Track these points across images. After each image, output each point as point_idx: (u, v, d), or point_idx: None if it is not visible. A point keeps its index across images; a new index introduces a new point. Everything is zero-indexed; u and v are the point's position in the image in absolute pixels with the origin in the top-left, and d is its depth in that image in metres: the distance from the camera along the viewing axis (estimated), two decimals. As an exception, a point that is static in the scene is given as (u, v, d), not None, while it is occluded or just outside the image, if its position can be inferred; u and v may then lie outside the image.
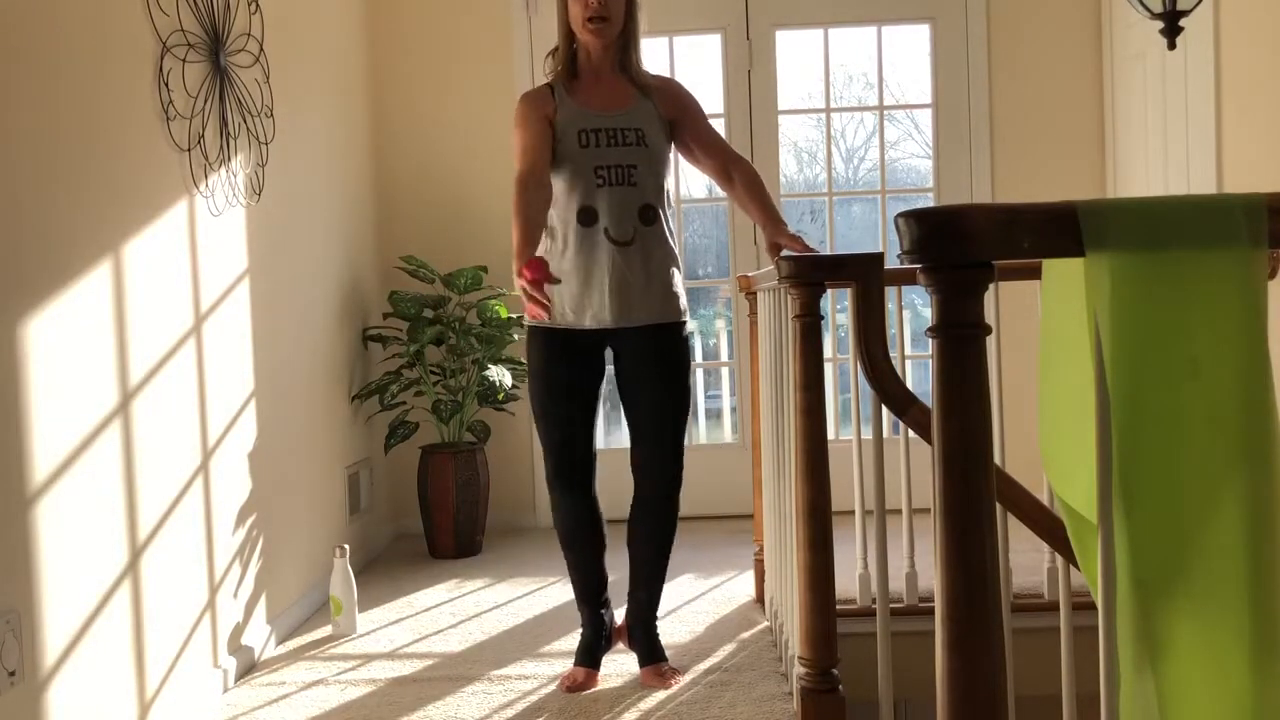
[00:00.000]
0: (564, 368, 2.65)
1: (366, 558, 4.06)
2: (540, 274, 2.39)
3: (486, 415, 4.36)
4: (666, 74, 4.59)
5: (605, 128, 2.57)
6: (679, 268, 2.69)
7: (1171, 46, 3.13)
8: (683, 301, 2.69)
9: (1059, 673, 1.81)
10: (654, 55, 4.62)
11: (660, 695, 2.63)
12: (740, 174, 2.70)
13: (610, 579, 2.80)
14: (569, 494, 2.69)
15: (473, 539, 4.12)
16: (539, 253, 2.59)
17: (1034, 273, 1.67)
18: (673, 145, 2.71)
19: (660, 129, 2.63)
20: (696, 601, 3.41)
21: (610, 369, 2.72)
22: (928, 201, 4.67)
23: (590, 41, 2.59)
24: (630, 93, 2.63)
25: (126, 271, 2.40)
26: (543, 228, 2.58)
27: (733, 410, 4.91)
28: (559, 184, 2.59)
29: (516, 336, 4.17)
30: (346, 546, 3.23)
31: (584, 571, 2.75)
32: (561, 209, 2.59)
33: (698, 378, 5.12)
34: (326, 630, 3.24)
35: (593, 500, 2.73)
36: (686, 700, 2.60)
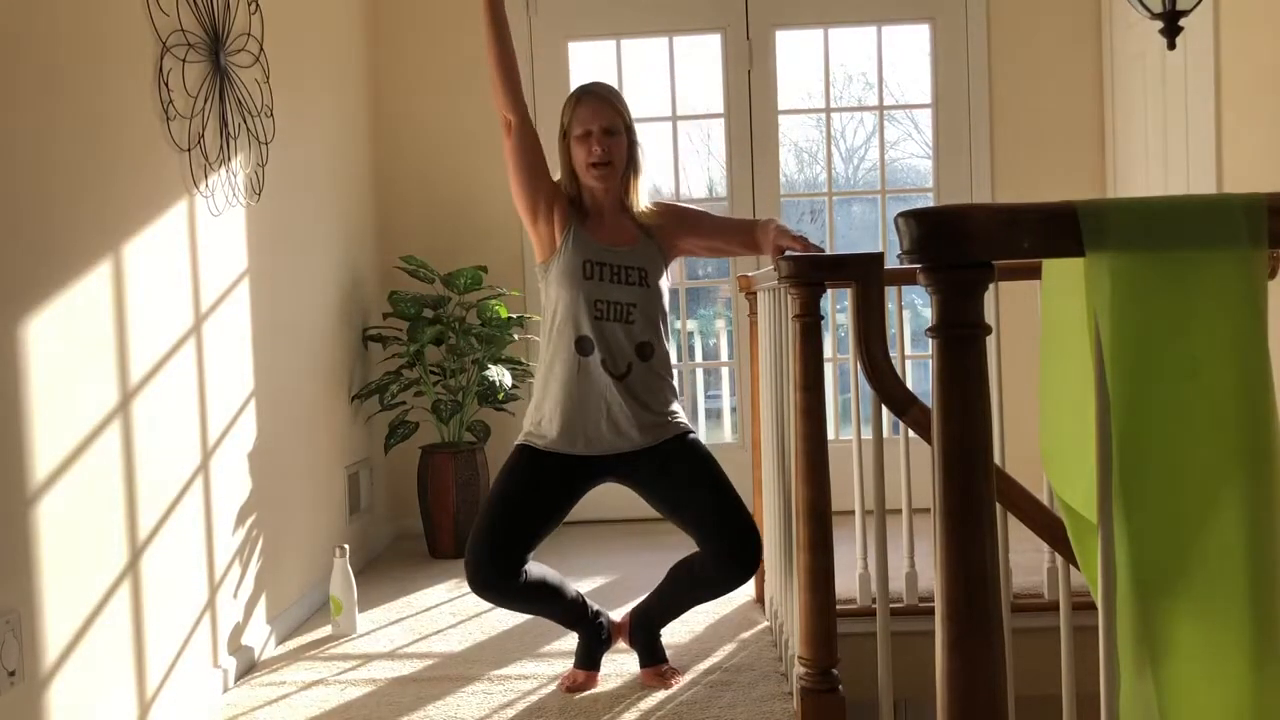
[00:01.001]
0: (537, 479, 2.58)
1: (366, 558, 4.06)
2: None
3: (486, 415, 4.36)
4: (665, 78, 4.60)
5: (610, 263, 2.58)
6: (675, 395, 2.67)
7: (1171, 46, 3.13)
8: (682, 420, 2.64)
9: (1059, 673, 1.81)
10: (654, 55, 4.62)
11: (660, 695, 2.63)
12: (759, 225, 2.68)
13: (594, 586, 2.78)
14: (485, 594, 2.55)
15: (473, 539, 4.11)
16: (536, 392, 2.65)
17: (1034, 273, 1.67)
18: (688, 255, 2.76)
19: (661, 267, 2.64)
20: (696, 601, 3.41)
21: (595, 491, 2.68)
22: (928, 201, 4.67)
23: (594, 184, 2.60)
24: (635, 232, 2.64)
25: (126, 271, 2.40)
26: (505, 45, 2.58)
27: (733, 410, 4.91)
28: (556, 307, 2.59)
29: (516, 336, 4.17)
30: (346, 546, 3.23)
31: (555, 617, 2.71)
32: (557, 335, 2.59)
33: (698, 377, 5.12)
34: (326, 630, 3.24)
35: (518, 588, 2.54)
36: (686, 700, 2.59)
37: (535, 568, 2.59)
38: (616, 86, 2.73)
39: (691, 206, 2.80)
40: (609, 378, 2.55)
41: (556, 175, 2.67)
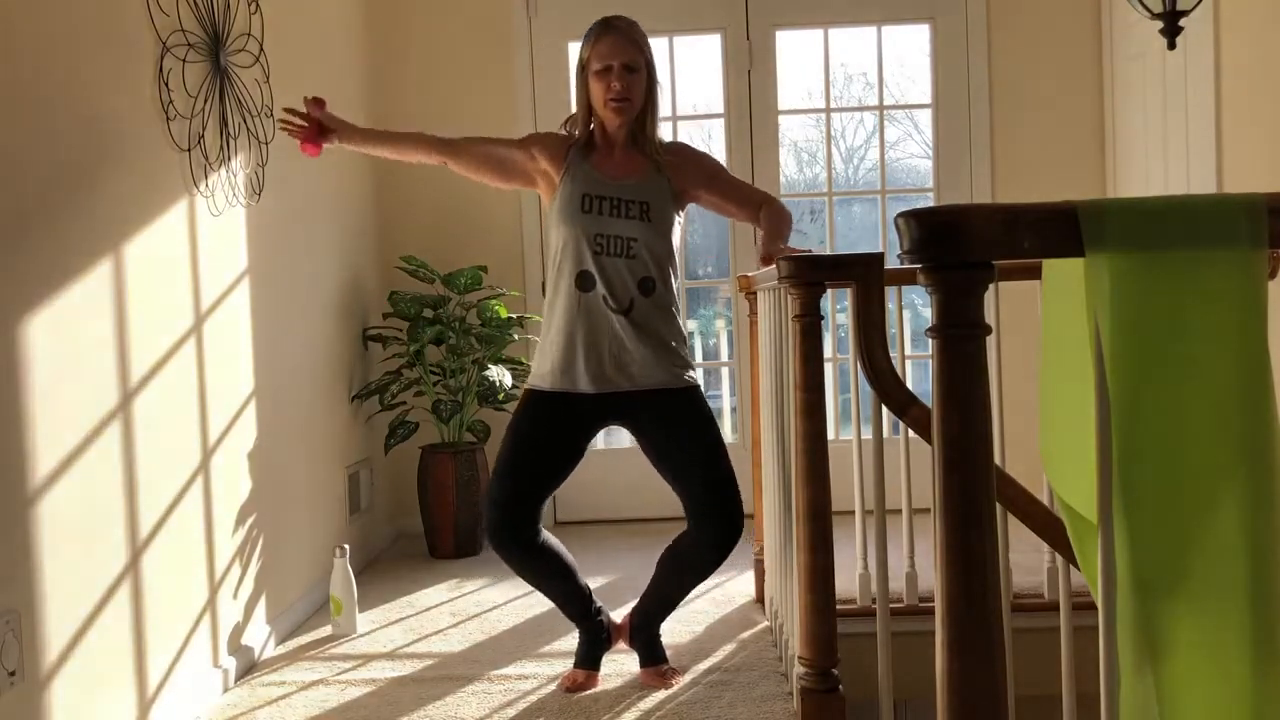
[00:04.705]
0: (544, 428, 2.59)
1: (366, 558, 4.06)
2: (312, 106, 2.60)
3: (486, 415, 4.36)
4: (665, 78, 4.59)
5: (611, 196, 2.56)
6: (684, 339, 2.66)
7: (1171, 46, 3.14)
8: (691, 370, 2.65)
9: (1059, 673, 1.81)
10: (654, 56, 4.61)
11: (660, 695, 2.63)
12: (767, 209, 2.67)
13: (594, 585, 2.79)
14: (512, 551, 2.59)
15: (473, 539, 4.12)
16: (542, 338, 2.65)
17: (1034, 273, 1.67)
18: (686, 210, 2.71)
19: (668, 203, 2.61)
20: (696, 601, 3.40)
21: (603, 439, 2.68)
22: (928, 201, 4.67)
23: (610, 120, 2.59)
24: (643, 165, 2.62)
25: (126, 271, 2.40)
26: (391, 147, 2.69)
27: (733, 410, 4.91)
28: (557, 244, 2.59)
29: (516, 337, 4.17)
30: (346, 546, 3.23)
31: (561, 600, 2.72)
32: (558, 272, 2.59)
33: (697, 377, 5.11)
34: (326, 630, 3.24)
35: (537, 549, 2.60)
36: (686, 700, 2.59)
37: (554, 541, 2.64)
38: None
39: (711, 157, 2.76)
40: (612, 313, 2.55)
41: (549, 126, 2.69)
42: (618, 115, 2.57)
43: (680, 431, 2.59)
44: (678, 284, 2.68)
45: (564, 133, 2.68)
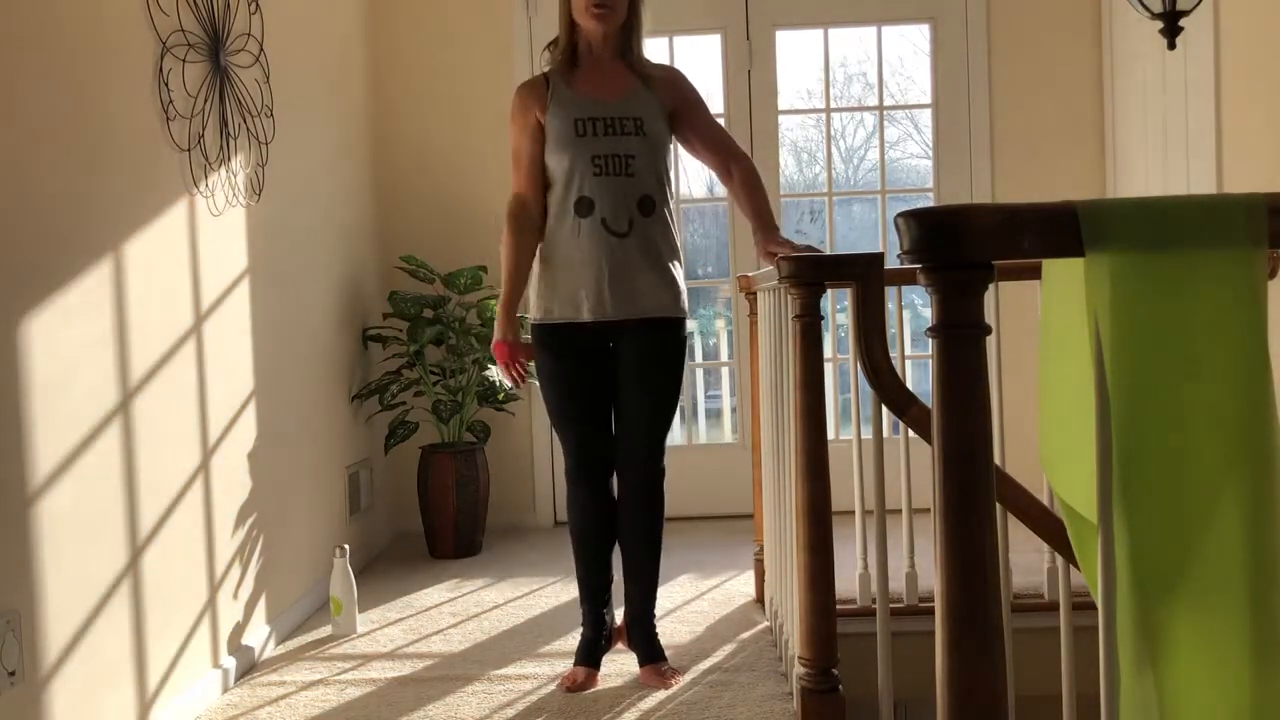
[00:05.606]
0: (570, 366, 2.64)
1: (366, 558, 4.06)
2: (508, 358, 2.67)
3: (486, 415, 4.36)
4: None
5: (603, 116, 2.56)
6: (680, 261, 2.67)
7: (1171, 46, 3.14)
8: (683, 297, 2.67)
9: (1059, 673, 1.81)
10: (654, 55, 4.62)
11: (660, 695, 2.63)
12: (739, 172, 2.69)
13: (614, 578, 2.80)
14: (584, 489, 2.71)
15: (473, 539, 4.12)
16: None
17: (1034, 273, 1.67)
18: (673, 135, 2.70)
19: (660, 118, 2.61)
20: (696, 601, 3.40)
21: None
22: (928, 201, 4.67)
23: (593, 29, 2.57)
24: (631, 81, 2.61)
25: (127, 271, 2.40)
26: (528, 274, 2.69)
27: (733, 410, 4.91)
28: (555, 172, 2.59)
29: (516, 336, 4.17)
30: (346, 546, 3.23)
31: (591, 567, 2.75)
32: (559, 198, 2.59)
33: (697, 378, 5.12)
34: (326, 630, 3.24)
35: (608, 496, 2.73)
36: (686, 700, 2.59)
37: (612, 508, 2.74)
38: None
39: (698, 95, 2.73)
40: (611, 237, 2.55)
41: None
42: (600, 24, 2.55)
43: (647, 373, 2.63)
44: (674, 203, 2.69)
45: (544, 66, 2.69)
